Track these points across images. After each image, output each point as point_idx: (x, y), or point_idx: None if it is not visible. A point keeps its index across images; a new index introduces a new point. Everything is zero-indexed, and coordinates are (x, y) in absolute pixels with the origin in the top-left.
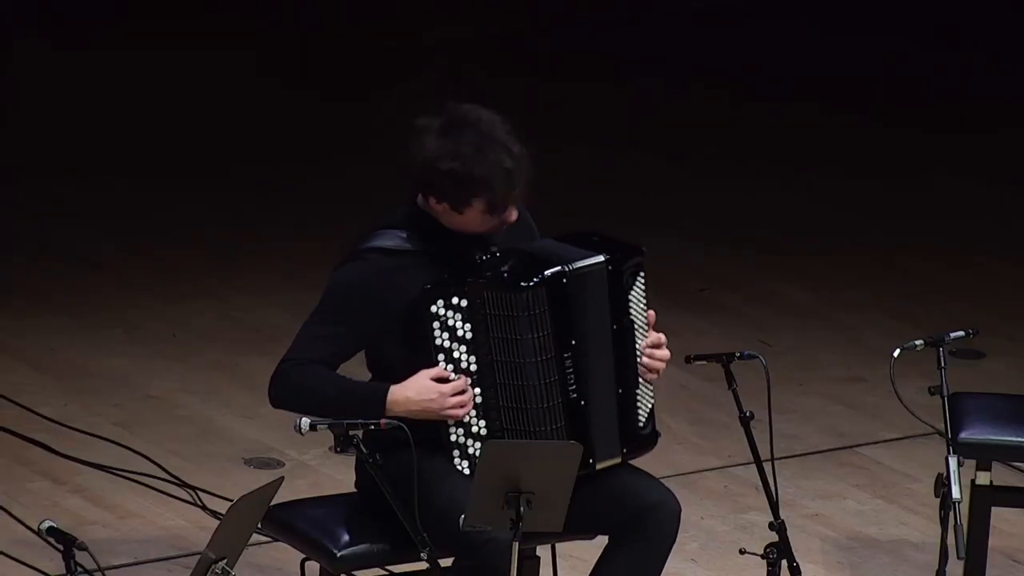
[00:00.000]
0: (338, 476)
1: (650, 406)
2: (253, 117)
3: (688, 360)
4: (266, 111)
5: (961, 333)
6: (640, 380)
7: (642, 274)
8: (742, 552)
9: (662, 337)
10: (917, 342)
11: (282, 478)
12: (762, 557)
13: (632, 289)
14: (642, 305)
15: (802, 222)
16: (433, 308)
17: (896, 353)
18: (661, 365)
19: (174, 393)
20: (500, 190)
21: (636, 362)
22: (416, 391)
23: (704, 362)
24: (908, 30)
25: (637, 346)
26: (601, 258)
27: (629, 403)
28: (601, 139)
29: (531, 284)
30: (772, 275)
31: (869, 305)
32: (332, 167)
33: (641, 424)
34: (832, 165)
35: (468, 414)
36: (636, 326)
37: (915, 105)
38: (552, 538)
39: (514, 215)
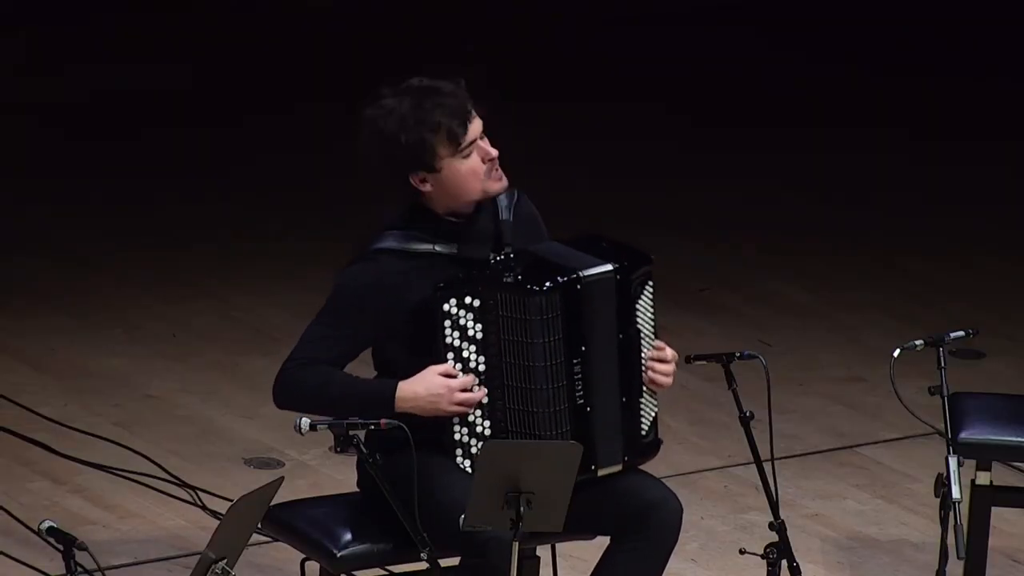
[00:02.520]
0: (338, 476)
1: (653, 415)
2: (253, 117)
3: (688, 360)
4: (266, 111)
5: (961, 333)
6: (644, 389)
7: (650, 283)
8: (742, 552)
9: (667, 353)
10: (917, 342)
11: (282, 478)
12: (762, 557)
13: (640, 298)
14: (650, 315)
15: (802, 222)
16: (445, 307)
17: (896, 353)
18: (665, 380)
19: (174, 393)
20: (448, 117)
21: (641, 371)
22: (425, 387)
23: (704, 362)
24: (906, 31)
25: (643, 355)
26: (609, 267)
27: (633, 411)
28: (601, 138)
29: (546, 289)
30: (772, 275)
31: (869, 305)
32: (334, 167)
33: (644, 432)
34: (832, 165)
35: (473, 413)
36: (643, 335)
37: (914, 106)
38: (552, 538)
39: (493, 151)
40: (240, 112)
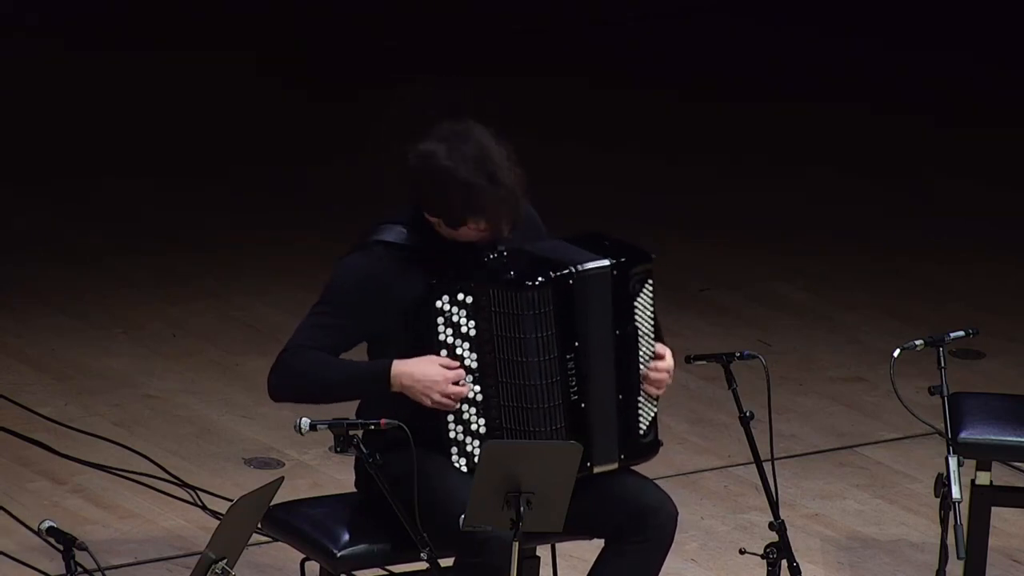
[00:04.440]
0: (338, 476)
1: (652, 414)
2: (253, 117)
3: (688, 360)
4: (265, 111)
5: (961, 333)
6: (643, 388)
7: (650, 281)
8: (742, 552)
9: (665, 361)
10: (917, 342)
11: (282, 478)
12: (762, 557)
13: (639, 296)
14: (649, 312)
15: (802, 222)
16: (438, 303)
17: (896, 353)
18: (662, 384)
19: (174, 393)
20: (496, 217)
21: (639, 369)
22: (422, 371)
23: (704, 362)
24: (907, 29)
25: (641, 354)
26: (607, 262)
27: (630, 409)
28: (601, 138)
29: (537, 283)
30: (772, 275)
31: (869, 305)
32: (333, 167)
33: (642, 432)
34: (832, 164)
35: (468, 411)
36: (641, 333)
37: (916, 105)
38: (552, 538)
39: (504, 233)
40: (240, 111)
